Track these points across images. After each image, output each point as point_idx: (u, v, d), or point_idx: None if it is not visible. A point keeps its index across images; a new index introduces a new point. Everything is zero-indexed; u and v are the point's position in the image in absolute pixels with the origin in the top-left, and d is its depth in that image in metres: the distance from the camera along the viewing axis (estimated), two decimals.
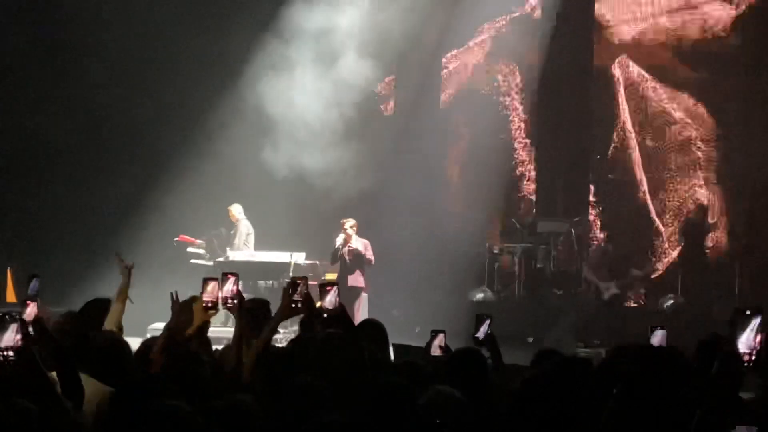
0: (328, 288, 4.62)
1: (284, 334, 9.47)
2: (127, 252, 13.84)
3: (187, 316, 5.43)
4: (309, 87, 14.89)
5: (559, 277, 14.82)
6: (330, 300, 4.59)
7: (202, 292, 5.26)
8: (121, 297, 6.40)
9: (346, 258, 12.94)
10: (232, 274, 5.21)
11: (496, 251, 15.21)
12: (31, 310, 4.89)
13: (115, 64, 15.15)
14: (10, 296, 12.54)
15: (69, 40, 15.09)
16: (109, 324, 6.18)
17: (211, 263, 13.82)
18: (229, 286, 5.15)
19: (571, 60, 15.56)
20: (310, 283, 5.18)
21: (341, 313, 4.61)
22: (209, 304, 5.20)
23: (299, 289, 4.82)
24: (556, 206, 15.92)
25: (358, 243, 12.96)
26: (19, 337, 3.60)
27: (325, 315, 4.57)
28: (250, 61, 14.95)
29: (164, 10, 14.94)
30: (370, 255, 12.97)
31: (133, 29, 14.94)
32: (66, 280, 12.41)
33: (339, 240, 12.94)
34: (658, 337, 5.44)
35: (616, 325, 13.22)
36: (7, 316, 3.60)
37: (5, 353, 3.57)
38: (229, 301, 5.15)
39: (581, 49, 15.71)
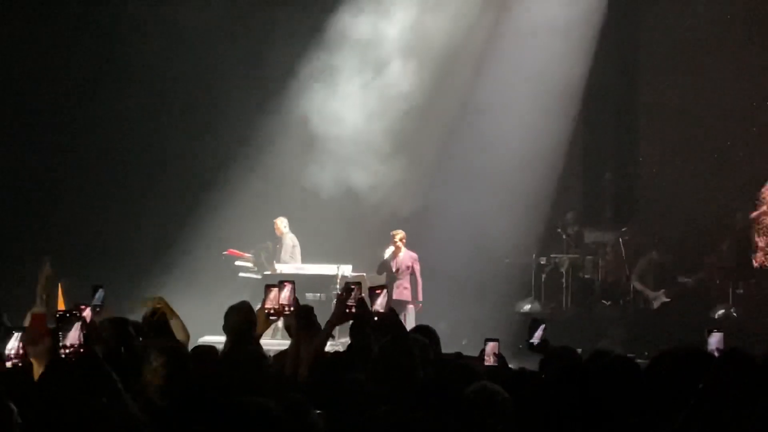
0: (378, 291, 4.66)
1: (331, 345, 9.50)
2: (177, 265, 14.09)
3: (245, 322, 5.54)
4: (355, 98, 14.97)
5: (607, 287, 14.72)
6: (380, 303, 4.62)
7: (264, 300, 5.35)
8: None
9: (393, 270, 13.00)
10: (289, 281, 5.29)
11: (543, 262, 15.14)
12: (86, 315, 4.97)
13: (161, 79, 15.31)
14: (62, 307, 12.66)
15: (116, 56, 15.28)
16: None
17: (259, 276, 13.91)
18: (286, 293, 5.22)
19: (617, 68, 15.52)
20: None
21: (392, 315, 4.65)
22: (271, 311, 5.26)
23: (353, 294, 4.86)
24: (602, 215, 15.82)
25: (407, 256, 13.01)
26: (82, 335, 3.69)
27: (376, 318, 4.60)
28: (295, 74, 15.07)
29: (207, 24, 15.09)
30: (417, 269, 13.04)
31: (177, 45, 15.10)
32: (116, 294, 12.52)
33: (388, 252, 13.01)
34: (715, 339, 5.34)
35: (666, 336, 13.07)
36: (70, 315, 3.69)
37: (69, 350, 3.65)
38: (287, 308, 5.20)
39: (627, 58, 15.65)
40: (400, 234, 13.12)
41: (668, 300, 13.91)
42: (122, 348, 5.52)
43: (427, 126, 15.42)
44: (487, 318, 13.62)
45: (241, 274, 14.34)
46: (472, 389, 3.99)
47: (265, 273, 13.87)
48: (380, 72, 15.01)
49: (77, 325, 3.77)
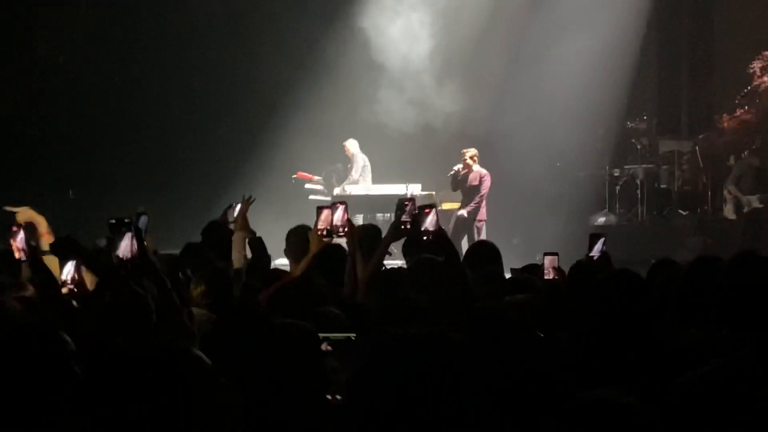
0: (426, 210, 4.57)
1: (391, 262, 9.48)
2: (247, 189, 14.13)
3: (304, 245, 5.53)
4: (417, 21, 14.84)
5: (685, 197, 14.39)
6: (430, 221, 4.54)
7: (316, 221, 5.30)
8: (238, 225, 6.56)
9: (466, 188, 12.83)
10: (341, 202, 5.24)
11: (617, 174, 14.85)
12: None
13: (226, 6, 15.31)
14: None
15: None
16: (235, 253, 6.33)
17: (329, 198, 13.92)
18: (339, 214, 5.16)
19: None
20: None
21: (441, 234, 4.57)
22: (324, 232, 5.23)
23: (407, 209, 4.77)
24: (679, 124, 15.42)
25: (476, 174, 12.81)
26: (135, 245, 3.70)
27: (425, 237, 4.53)
28: None
29: None
30: (483, 186, 12.75)
31: None
32: (187, 216, 12.71)
33: (455, 169, 12.81)
34: None
35: (747, 244, 12.74)
36: (122, 224, 3.69)
37: (124, 260, 3.67)
38: (340, 228, 5.16)
39: None
40: (471, 151, 12.84)
41: (761, 206, 13.51)
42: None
43: (492, 47, 15.15)
44: (561, 232, 13.43)
45: (311, 197, 14.37)
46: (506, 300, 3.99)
47: (335, 194, 13.87)
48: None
49: (129, 236, 3.78)
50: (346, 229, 5.09)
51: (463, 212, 12.74)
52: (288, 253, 6.17)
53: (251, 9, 15.39)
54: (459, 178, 12.81)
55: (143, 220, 4.69)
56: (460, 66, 15.12)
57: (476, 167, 12.81)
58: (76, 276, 3.95)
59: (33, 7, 15.11)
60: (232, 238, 6.48)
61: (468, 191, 12.81)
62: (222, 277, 4.99)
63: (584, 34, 14.91)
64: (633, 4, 14.91)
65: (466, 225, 12.69)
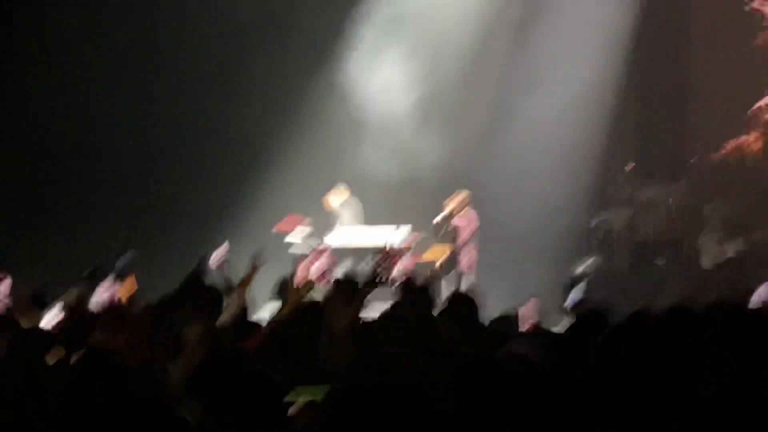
0: (393, 260, 4.65)
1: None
2: (228, 240, 14.16)
3: (284, 297, 5.60)
4: (394, 69, 14.99)
5: (662, 245, 14.52)
6: (399, 269, 4.63)
7: (294, 273, 5.38)
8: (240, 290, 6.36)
9: (452, 234, 12.90)
10: (322, 251, 5.32)
11: (596, 222, 14.97)
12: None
13: (197, 51, 15.45)
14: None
15: (157, 37, 15.42)
16: (224, 317, 6.24)
17: (308, 252, 13.91)
18: (320, 264, 5.24)
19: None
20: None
21: (411, 281, 4.67)
22: (302, 283, 5.30)
23: (381, 261, 4.85)
24: (656, 172, 15.59)
25: (464, 217, 12.84)
26: (109, 294, 3.76)
27: (396, 284, 4.62)
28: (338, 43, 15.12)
29: None
30: (467, 231, 12.83)
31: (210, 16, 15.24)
32: (167, 273, 12.68)
33: (442, 214, 12.89)
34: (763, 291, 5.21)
35: (723, 294, 12.85)
36: (97, 274, 3.75)
37: (97, 308, 3.73)
38: (320, 279, 5.24)
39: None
40: (457, 199, 12.93)
41: (736, 255, 13.67)
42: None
43: (473, 96, 15.36)
44: (540, 280, 13.51)
45: (291, 251, 14.37)
46: (503, 351, 4.01)
47: (317, 246, 13.87)
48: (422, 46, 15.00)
49: (103, 286, 3.84)
50: (325, 280, 5.18)
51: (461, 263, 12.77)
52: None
53: (233, 61, 15.53)
54: (446, 222, 12.90)
55: (127, 259, 4.76)
56: (442, 116, 15.30)
57: (466, 209, 12.89)
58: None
59: None
60: (228, 305, 6.29)
61: (454, 239, 12.92)
62: (208, 338, 4.98)
63: (563, 82, 15.16)
64: (611, 51, 15.16)
65: (452, 273, 12.80)
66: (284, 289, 5.73)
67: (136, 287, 5.45)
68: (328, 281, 5.25)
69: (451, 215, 12.79)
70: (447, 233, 12.87)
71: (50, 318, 4.06)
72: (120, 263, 5.20)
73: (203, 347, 4.88)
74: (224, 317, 6.11)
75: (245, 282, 6.06)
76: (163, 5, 15.27)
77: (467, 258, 12.82)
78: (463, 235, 12.82)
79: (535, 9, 15.33)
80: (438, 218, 12.84)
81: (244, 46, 15.46)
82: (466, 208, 12.83)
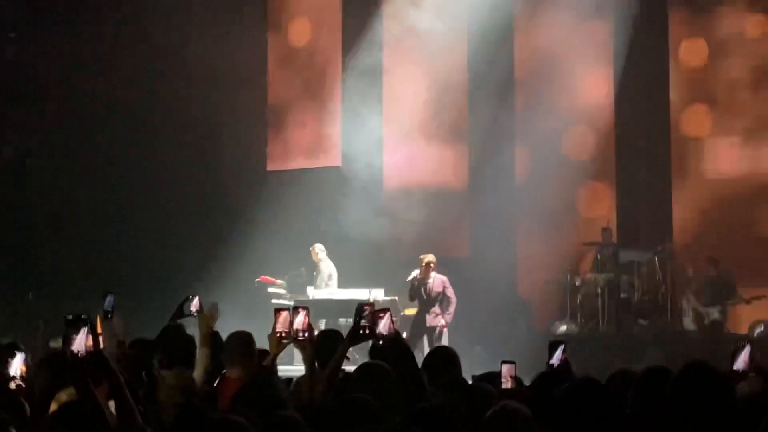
0: (380, 315, 4.64)
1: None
2: (210, 294, 14.10)
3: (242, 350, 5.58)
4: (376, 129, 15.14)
5: (644, 307, 14.51)
6: (384, 325, 4.60)
7: (275, 323, 5.31)
8: (203, 341, 6.37)
9: (425, 297, 12.89)
10: (303, 307, 5.26)
11: (578, 283, 14.98)
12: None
13: (182, 106, 15.53)
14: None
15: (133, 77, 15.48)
16: (198, 371, 6.19)
17: (292, 303, 13.90)
18: (300, 319, 5.18)
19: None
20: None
21: (396, 338, 4.63)
22: (282, 335, 5.24)
23: (366, 314, 4.81)
24: (638, 234, 15.63)
25: (438, 281, 12.88)
26: (90, 340, 3.68)
27: (381, 341, 4.58)
28: None
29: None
30: (449, 292, 12.89)
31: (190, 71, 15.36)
32: (148, 324, 12.58)
33: (412, 275, 12.87)
34: (743, 354, 5.18)
35: (706, 357, 12.79)
36: (78, 320, 3.68)
37: (78, 354, 3.65)
38: (300, 333, 5.17)
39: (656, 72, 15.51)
40: (429, 258, 12.93)
41: (720, 317, 13.66)
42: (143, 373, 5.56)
43: (453, 154, 15.47)
44: (522, 340, 13.46)
45: (274, 301, 14.35)
46: (494, 410, 3.99)
47: (298, 299, 13.88)
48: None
49: (84, 331, 3.77)
50: (305, 335, 5.12)
51: (442, 322, 12.81)
52: (226, 358, 6.09)
53: (215, 112, 15.59)
54: (416, 285, 12.87)
55: (110, 300, 4.69)
56: (422, 175, 15.38)
57: (434, 274, 12.88)
58: (23, 370, 3.94)
59: None
60: (197, 354, 6.29)
61: (430, 298, 12.86)
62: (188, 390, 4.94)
63: (543, 141, 15.27)
64: (596, 106, 15.32)
65: (431, 333, 12.71)
66: (243, 340, 5.70)
67: (124, 327, 5.42)
68: (309, 336, 5.17)
69: (423, 275, 12.76)
70: (420, 292, 12.84)
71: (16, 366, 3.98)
72: (105, 305, 5.14)
73: (178, 395, 4.82)
74: (198, 370, 6.08)
75: (206, 337, 6.09)
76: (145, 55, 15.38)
77: (435, 318, 12.81)
78: (449, 293, 12.79)
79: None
80: (412, 275, 12.85)
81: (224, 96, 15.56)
82: (434, 270, 12.82)
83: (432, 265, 12.84)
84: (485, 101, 15.30)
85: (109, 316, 5.55)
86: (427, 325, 12.78)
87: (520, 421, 3.94)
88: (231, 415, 3.41)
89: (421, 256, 12.99)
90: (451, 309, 12.85)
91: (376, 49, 15.65)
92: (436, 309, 12.86)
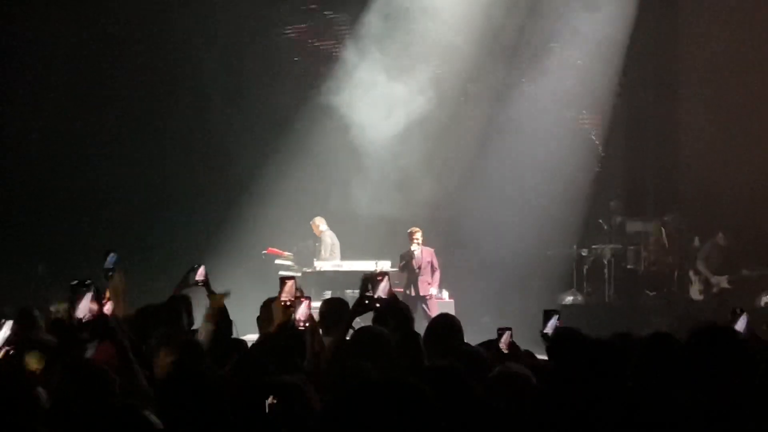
0: (379, 278, 4.70)
1: None
2: (218, 265, 14.19)
3: (267, 315, 5.58)
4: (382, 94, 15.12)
5: (651, 277, 14.54)
6: (382, 289, 4.67)
7: (280, 292, 5.36)
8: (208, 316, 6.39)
9: (416, 268, 13.24)
10: (306, 297, 5.30)
11: (584, 254, 15.01)
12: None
13: (198, 77, 15.53)
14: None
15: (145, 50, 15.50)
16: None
17: (299, 274, 13.96)
18: (303, 310, 5.22)
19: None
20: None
21: (393, 301, 4.71)
22: (287, 303, 5.28)
23: (377, 284, 4.86)
24: (645, 205, 15.64)
25: (426, 252, 13.31)
26: (95, 306, 3.73)
27: (378, 305, 4.64)
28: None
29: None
30: (435, 262, 13.36)
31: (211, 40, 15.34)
32: (155, 296, 12.67)
33: (412, 249, 13.25)
34: (741, 322, 5.33)
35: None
36: (83, 285, 3.73)
37: (83, 320, 3.70)
38: (302, 323, 5.21)
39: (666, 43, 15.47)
40: (414, 230, 13.37)
41: (729, 287, 13.69)
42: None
43: (462, 127, 15.46)
44: (529, 311, 13.51)
45: (281, 273, 14.40)
46: (497, 372, 4.13)
47: (305, 270, 13.95)
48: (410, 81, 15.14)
49: (88, 297, 3.81)
50: (307, 324, 5.16)
51: (434, 289, 13.37)
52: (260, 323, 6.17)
53: (224, 86, 15.62)
54: (406, 256, 13.23)
55: (111, 259, 4.72)
56: (432, 148, 15.37)
57: (421, 247, 13.33)
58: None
59: (4, 86, 15.26)
60: (200, 329, 6.32)
61: (421, 269, 13.12)
62: (192, 349, 4.99)
63: (553, 118, 15.25)
64: (600, 81, 15.27)
65: (422, 302, 13.08)
66: (268, 307, 5.72)
67: (124, 284, 5.41)
68: (311, 324, 5.20)
69: (412, 251, 13.26)
70: (410, 264, 13.34)
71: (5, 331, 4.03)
72: (107, 263, 5.15)
73: (175, 357, 4.87)
74: (202, 334, 6.13)
75: (214, 311, 6.10)
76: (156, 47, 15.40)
77: (427, 287, 13.27)
78: (436, 264, 13.34)
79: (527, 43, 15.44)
80: (410, 251, 13.30)
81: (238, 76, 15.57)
82: (419, 245, 13.30)
83: (416, 236, 13.26)
84: (493, 65, 15.31)
85: (111, 274, 5.56)
86: (421, 294, 13.23)
87: (520, 381, 4.10)
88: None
89: (410, 230, 13.41)
90: (437, 277, 13.41)
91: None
92: (427, 278, 13.36)
